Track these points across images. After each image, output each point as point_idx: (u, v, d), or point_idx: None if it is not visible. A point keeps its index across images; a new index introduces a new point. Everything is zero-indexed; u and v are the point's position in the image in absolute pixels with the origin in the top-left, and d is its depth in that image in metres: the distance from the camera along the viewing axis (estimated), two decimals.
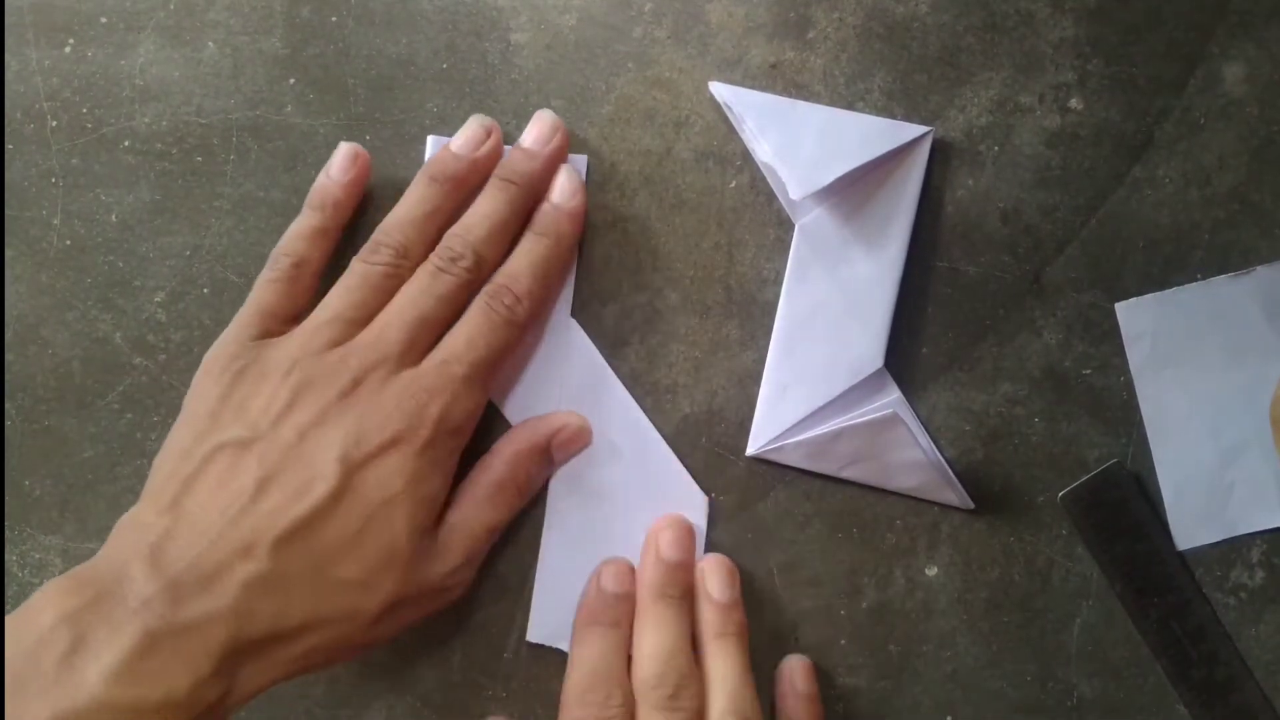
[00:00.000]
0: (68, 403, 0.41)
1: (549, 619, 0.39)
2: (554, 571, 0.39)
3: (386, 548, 0.33)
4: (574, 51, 0.41)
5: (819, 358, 0.39)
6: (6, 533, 0.41)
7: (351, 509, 0.33)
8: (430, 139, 0.40)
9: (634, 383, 0.40)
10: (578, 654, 0.37)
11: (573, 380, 0.40)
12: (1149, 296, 0.39)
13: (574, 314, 0.40)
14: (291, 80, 0.41)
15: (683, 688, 0.36)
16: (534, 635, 0.39)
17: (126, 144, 0.41)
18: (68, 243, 0.41)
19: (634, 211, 0.41)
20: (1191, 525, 0.39)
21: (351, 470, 0.33)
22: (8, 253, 0.41)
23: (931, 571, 0.40)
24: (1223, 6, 0.40)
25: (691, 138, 0.41)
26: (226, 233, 0.41)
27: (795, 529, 0.40)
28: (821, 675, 0.39)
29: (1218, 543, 0.39)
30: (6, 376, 0.41)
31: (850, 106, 0.40)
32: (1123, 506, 0.39)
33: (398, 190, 0.41)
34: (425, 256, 0.37)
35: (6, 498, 0.41)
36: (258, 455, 0.33)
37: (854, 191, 0.39)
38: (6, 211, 0.41)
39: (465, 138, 0.39)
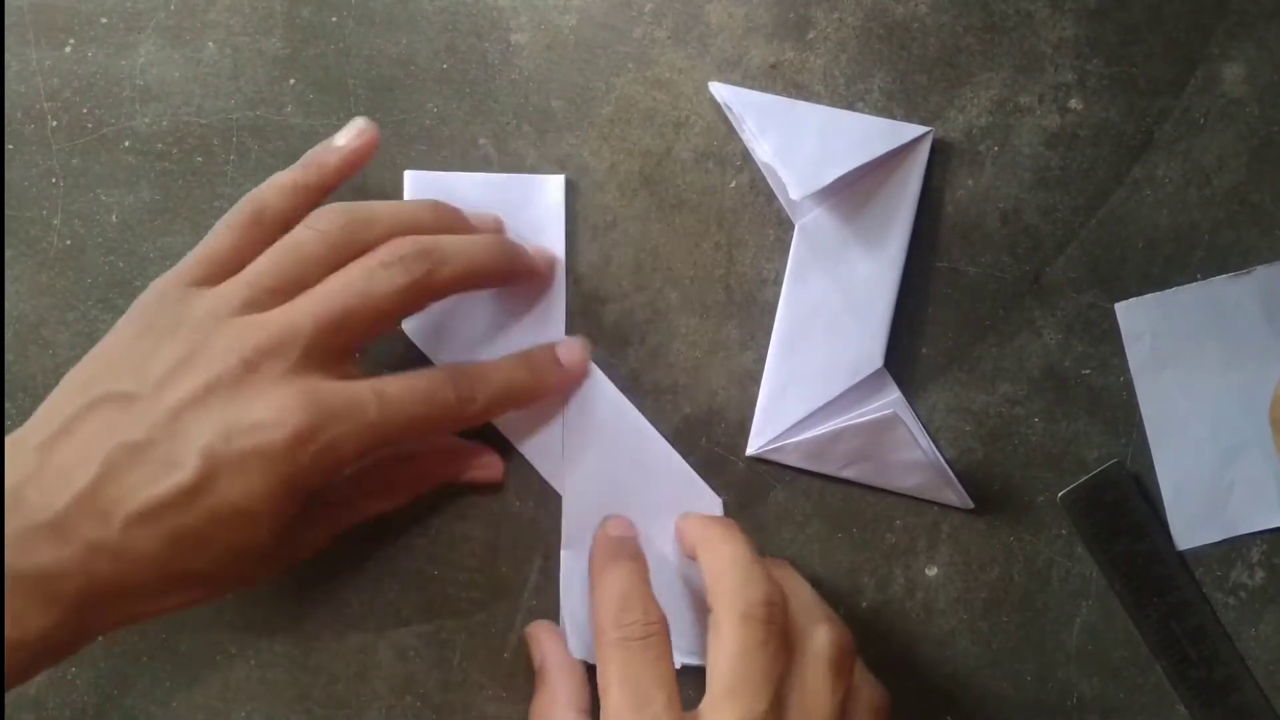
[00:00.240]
0: None
1: (583, 636, 0.39)
2: (578, 591, 0.39)
3: (242, 548, 0.32)
4: (574, 51, 0.41)
5: (819, 358, 0.39)
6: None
7: (207, 507, 0.31)
8: (408, 175, 0.40)
9: (634, 383, 0.40)
10: (602, 588, 0.35)
11: (574, 395, 0.39)
12: (1149, 296, 0.40)
13: (574, 314, 0.40)
14: (291, 80, 0.41)
15: (774, 595, 0.33)
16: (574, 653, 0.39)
17: (127, 144, 0.41)
18: (68, 243, 0.41)
19: (634, 211, 0.41)
20: (1191, 525, 0.39)
21: (213, 468, 0.31)
22: (8, 253, 0.41)
23: (931, 571, 0.40)
24: (1223, 6, 0.40)
25: (691, 138, 0.41)
26: None
27: (795, 529, 0.40)
28: None
29: (1218, 543, 0.39)
30: (6, 376, 0.41)
31: (850, 106, 0.40)
32: (1122, 506, 0.39)
33: (396, 191, 0.41)
34: (371, 248, 0.35)
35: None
36: (134, 417, 0.31)
37: (854, 191, 0.39)
38: (6, 211, 0.41)
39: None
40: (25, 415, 0.41)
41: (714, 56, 0.41)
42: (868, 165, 0.39)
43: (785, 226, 0.40)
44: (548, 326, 0.40)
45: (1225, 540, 0.39)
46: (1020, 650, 0.40)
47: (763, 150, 0.39)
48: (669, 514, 0.39)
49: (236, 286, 0.33)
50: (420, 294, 0.34)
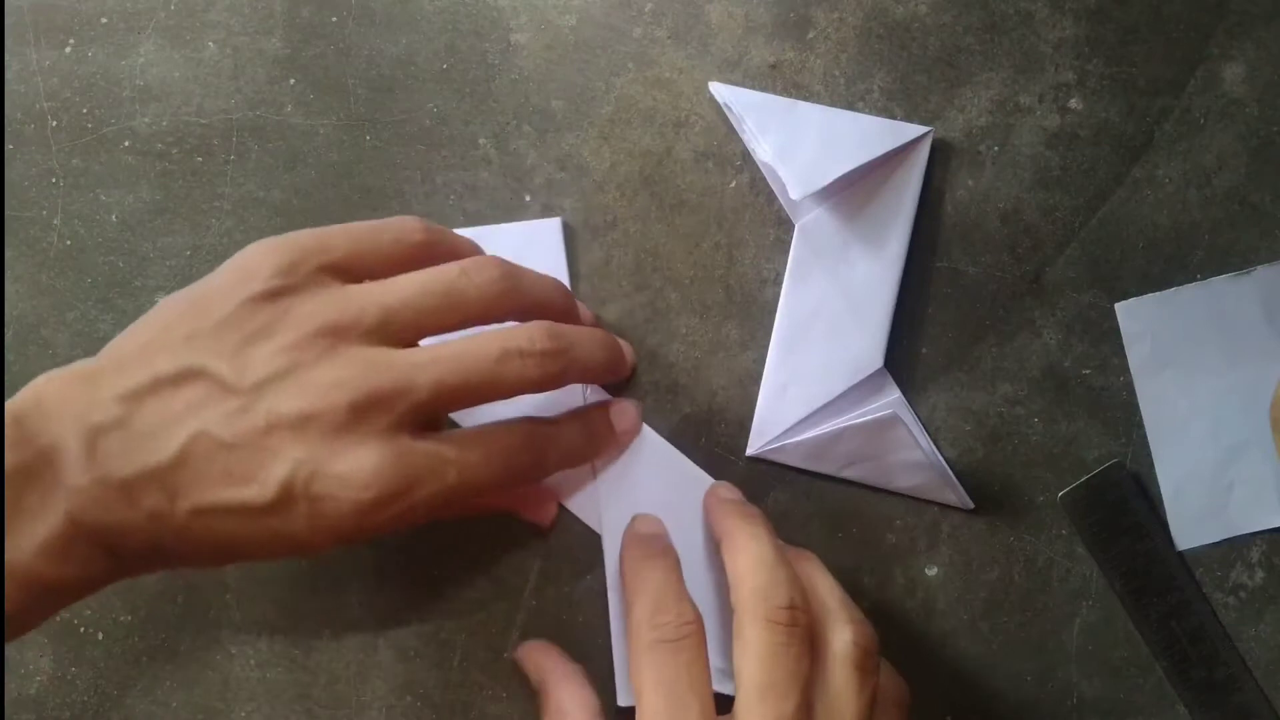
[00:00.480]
0: None
1: None
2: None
3: (292, 556, 0.34)
4: (574, 51, 0.41)
5: (819, 358, 0.39)
6: None
7: (270, 528, 0.31)
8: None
9: (634, 382, 0.40)
10: (636, 586, 0.35)
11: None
12: (1149, 296, 0.39)
13: None
14: (291, 80, 0.41)
15: (796, 599, 0.33)
16: (623, 699, 0.38)
17: (127, 144, 0.41)
18: (68, 243, 0.41)
19: (634, 211, 0.41)
20: (1191, 525, 0.39)
21: (288, 501, 0.30)
22: (8, 253, 0.41)
23: (931, 571, 0.40)
24: (1223, 6, 0.40)
25: (691, 138, 0.41)
26: (227, 233, 0.41)
27: (795, 529, 0.40)
28: None
29: (1218, 543, 0.39)
30: (6, 376, 0.41)
31: (850, 106, 0.40)
32: (1122, 506, 0.39)
33: (398, 192, 0.41)
34: (509, 316, 0.34)
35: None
36: (225, 414, 0.30)
37: (854, 191, 0.39)
38: (6, 211, 0.41)
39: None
40: None
41: (714, 56, 0.41)
42: (868, 165, 0.39)
43: (785, 226, 0.40)
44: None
45: (1225, 540, 0.39)
46: (1020, 650, 0.40)
47: (763, 150, 0.39)
48: (697, 522, 0.39)
49: (372, 303, 0.32)
50: (541, 389, 0.34)
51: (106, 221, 0.41)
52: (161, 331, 0.32)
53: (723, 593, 0.37)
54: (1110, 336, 0.40)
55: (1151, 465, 0.39)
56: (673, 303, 0.40)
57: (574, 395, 0.39)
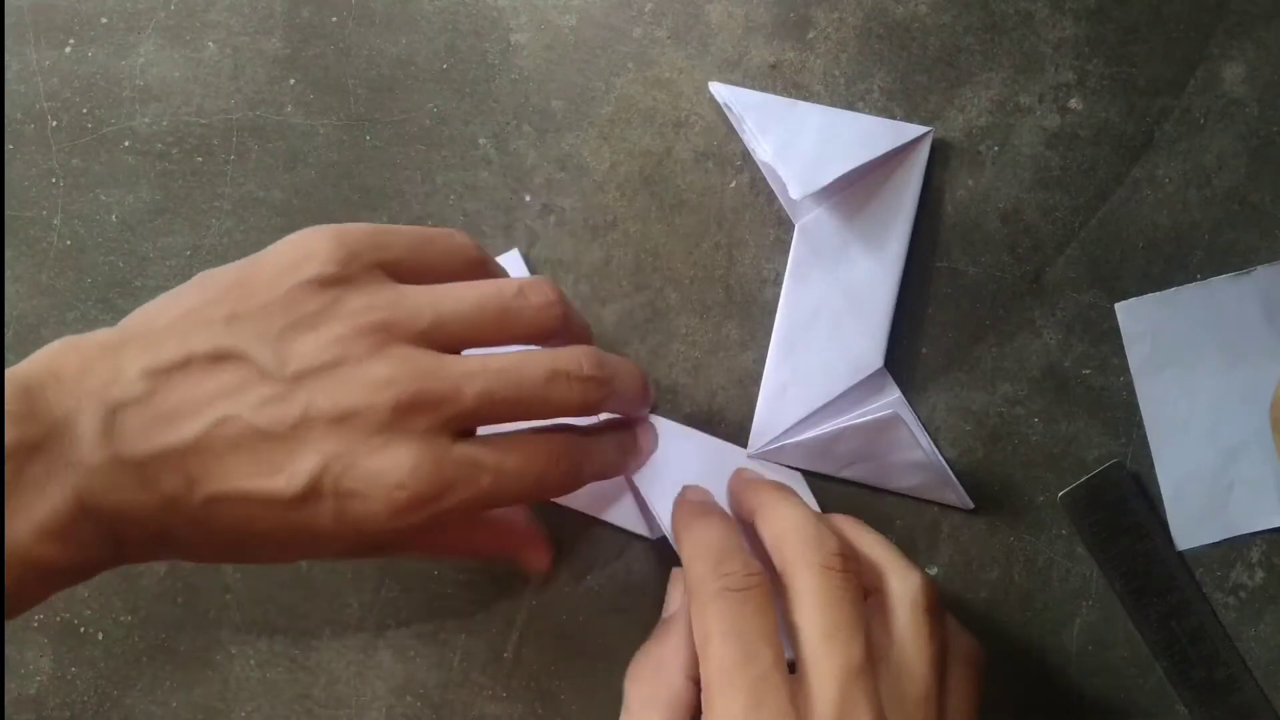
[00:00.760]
0: None
1: None
2: None
3: (307, 553, 0.32)
4: (574, 51, 0.41)
5: (819, 358, 0.39)
6: None
7: (292, 520, 0.30)
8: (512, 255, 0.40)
9: None
10: (694, 541, 0.33)
11: None
12: (1149, 296, 0.39)
13: None
14: (291, 80, 0.41)
15: (845, 548, 0.32)
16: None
17: (126, 144, 0.41)
18: (68, 243, 0.41)
19: (634, 211, 0.41)
20: (1191, 525, 0.39)
21: (316, 494, 0.29)
22: (8, 253, 0.41)
23: (931, 571, 0.40)
24: (1223, 6, 0.40)
25: (691, 138, 0.41)
26: (227, 233, 0.41)
27: None
28: None
29: (1218, 543, 0.39)
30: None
31: (850, 106, 0.40)
32: (1122, 506, 0.39)
33: (398, 192, 0.41)
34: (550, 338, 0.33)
35: None
36: (259, 399, 0.29)
37: (854, 191, 0.39)
38: (6, 211, 0.41)
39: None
40: None
41: (714, 56, 0.41)
42: (868, 165, 0.39)
43: (785, 226, 0.40)
44: None
45: (1225, 540, 0.39)
46: (1020, 650, 0.40)
47: (763, 150, 0.39)
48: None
49: (427, 306, 0.31)
50: (581, 414, 0.33)
51: (106, 221, 0.41)
52: (200, 306, 0.30)
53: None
54: (1110, 336, 0.40)
55: (1151, 465, 0.39)
56: (673, 303, 0.40)
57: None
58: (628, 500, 0.39)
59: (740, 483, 0.38)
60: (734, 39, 0.41)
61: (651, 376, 0.40)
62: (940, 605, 0.33)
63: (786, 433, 0.39)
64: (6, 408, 0.28)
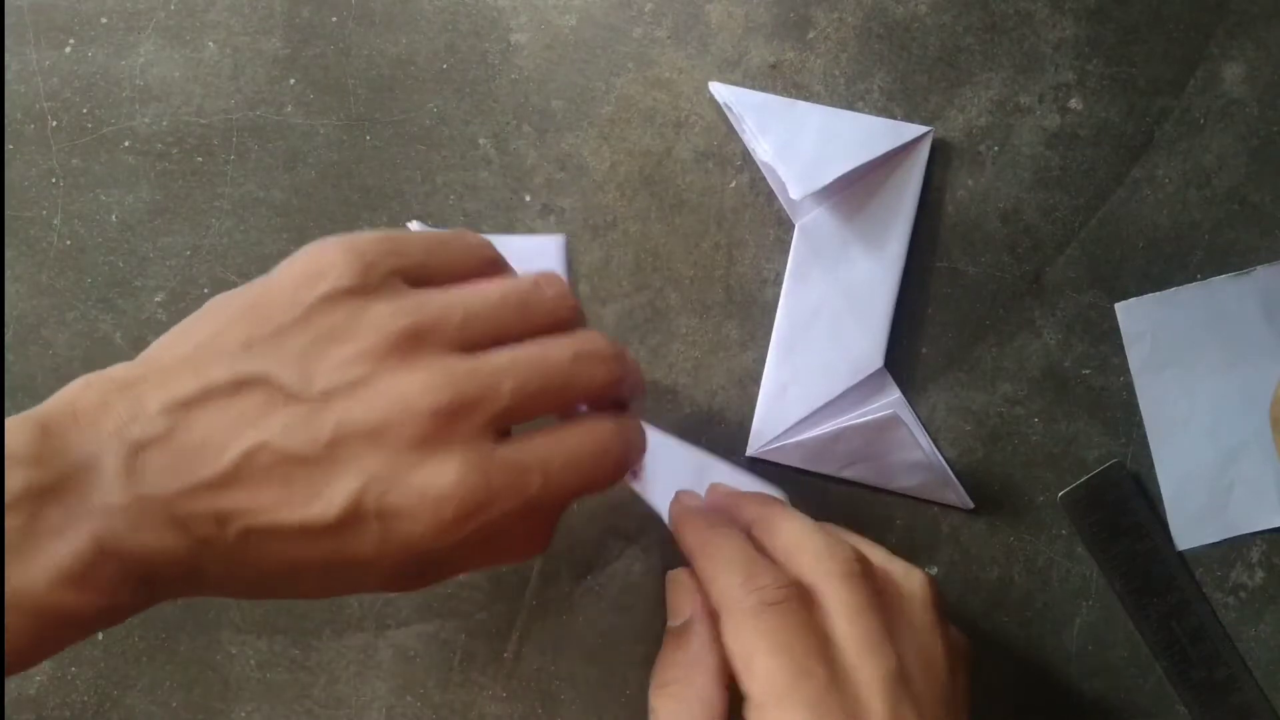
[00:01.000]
0: None
1: None
2: None
3: (346, 588, 0.30)
4: (574, 51, 0.41)
5: (819, 358, 0.39)
6: None
7: (333, 549, 0.28)
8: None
9: None
10: (714, 553, 0.32)
11: None
12: (1149, 296, 0.39)
13: None
14: (291, 80, 0.41)
15: (858, 551, 0.32)
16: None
17: (126, 144, 0.41)
18: (68, 243, 0.41)
19: (634, 211, 0.41)
20: (1191, 525, 0.39)
21: (358, 516, 0.28)
22: (8, 253, 0.41)
23: (932, 571, 0.40)
24: (1223, 6, 0.40)
25: (691, 138, 0.41)
26: (226, 233, 0.41)
27: None
28: None
29: (1218, 543, 0.39)
30: (6, 376, 0.41)
31: (850, 106, 0.40)
32: (1123, 506, 0.39)
33: (398, 192, 0.41)
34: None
35: None
36: (289, 422, 0.28)
37: (854, 191, 0.39)
38: (6, 211, 0.41)
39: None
40: None
41: (714, 56, 0.41)
42: (868, 165, 0.39)
43: (785, 226, 0.40)
44: None
45: (1225, 540, 0.39)
46: (1020, 650, 0.40)
47: (763, 150, 0.39)
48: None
49: (454, 308, 0.30)
50: (604, 395, 0.32)
51: (106, 221, 0.41)
52: (214, 336, 0.29)
53: None
54: (1110, 336, 0.40)
55: (1151, 465, 0.39)
56: (673, 303, 0.40)
57: None
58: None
59: (726, 496, 0.36)
60: (734, 39, 0.41)
61: (651, 376, 0.40)
62: (941, 598, 0.33)
63: (786, 433, 0.39)
64: (23, 450, 0.27)
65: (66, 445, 0.27)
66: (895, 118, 0.40)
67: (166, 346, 0.30)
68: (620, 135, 0.41)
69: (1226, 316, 0.39)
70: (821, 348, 0.39)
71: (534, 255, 0.40)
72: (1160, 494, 0.39)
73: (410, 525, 0.28)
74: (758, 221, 0.40)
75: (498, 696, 0.40)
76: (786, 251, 0.40)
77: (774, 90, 0.40)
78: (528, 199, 0.41)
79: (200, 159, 0.41)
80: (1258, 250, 0.40)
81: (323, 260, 0.29)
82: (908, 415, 0.39)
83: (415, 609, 0.40)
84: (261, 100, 0.41)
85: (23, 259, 0.41)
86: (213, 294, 0.41)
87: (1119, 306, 0.40)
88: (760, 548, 0.33)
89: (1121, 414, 0.40)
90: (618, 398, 0.33)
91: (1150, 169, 0.40)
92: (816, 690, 0.29)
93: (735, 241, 0.40)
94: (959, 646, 0.33)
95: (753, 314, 0.40)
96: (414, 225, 0.40)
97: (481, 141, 0.41)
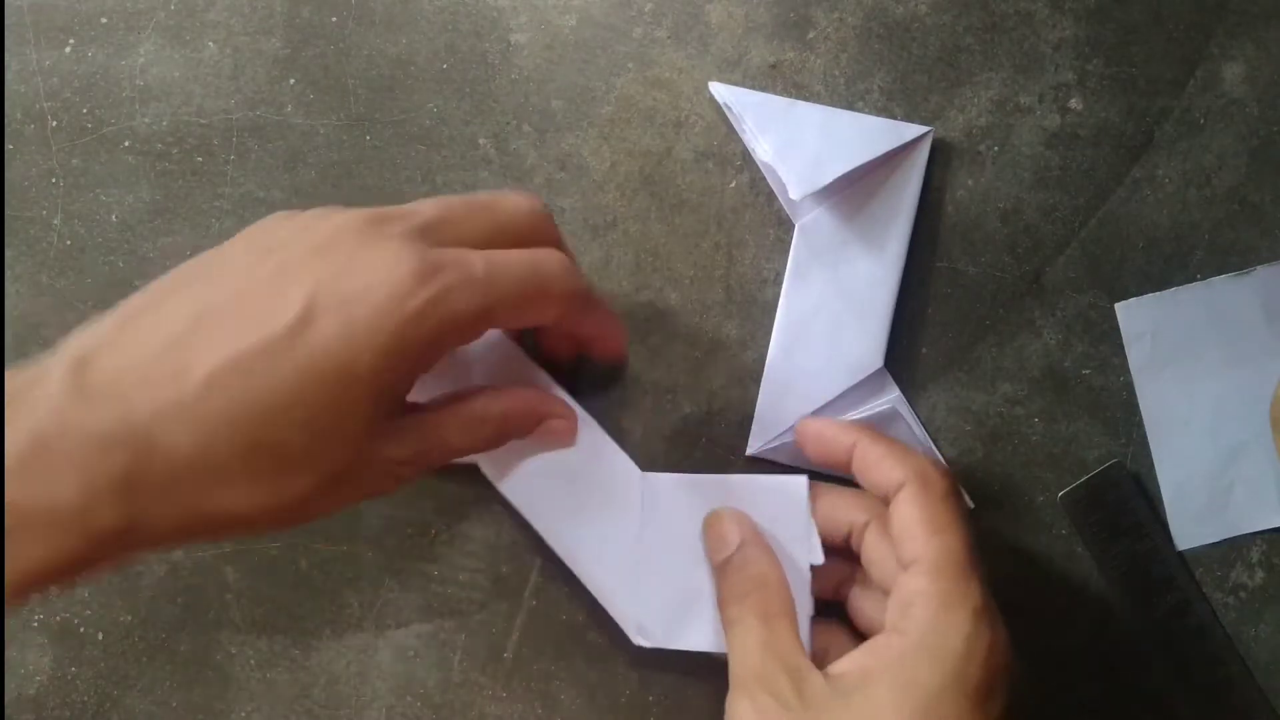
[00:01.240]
0: None
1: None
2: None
3: (332, 422, 0.28)
4: (574, 51, 0.41)
5: (819, 358, 0.39)
6: None
7: (303, 357, 0.27)
8: None
9: (634, 382, 0.40)
10: (892, 444, 0.35)
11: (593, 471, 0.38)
12: (1149, 296, 0.40)
13: None
14: (291, 80, 0.41)
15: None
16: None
17: (127, 144, 0.41)
18: (68, 243, 0.41)
19: (634, 211, 0.41)
20: (1191, 525, 0.39)
21: (314, 309, 0.28)
22: (8, 253, 0.41)
23: None
24: (1223, 6, 0.40)
25: (691, 138, 0.41)
26: (226, 233, 0.41)
27: None
28: None
29: (1218, 543, 0.39)
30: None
31: (850, 106, 0.40)
32: (1123, 506, 0.39)
33: (397, 192, 0.41)
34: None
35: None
36: (232, 279, 0.29)
37: (854, 191, 0.39)
38: (6, 211, 0.41)
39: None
40: None
41: (714, 56, 0.41)
42: (868, 165, 0.39)
43: (785, 226, 0.40)
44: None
45: (1225, 540, 0.39)
46: (1020, 650, 0.40)
47: (763, 150, 0.39)
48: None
49: (424, 206, 0.31)
50: (569, 306, 0.33)
51: (106, 221, 0.41)
52: (167, 274, 0.30)
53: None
54: (1110, 336, 0.40)
55: (1151, 465, 0.39)
56: (673, 303, 0.40)
57: None
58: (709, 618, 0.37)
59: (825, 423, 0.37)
60: (734, 39, 0.41)
61: (651, 376, 0.40)
62: None
63: (786, 432, 0.39)
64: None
65: (26, 368, 0.27)
66: (895, 118, 0.40)
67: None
68: (620, 135, 0.41)
69: (1226, 316, 0.39)
70: (821, 348, 0.39)
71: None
72: (1160, 494, 0.39)
73: (369, 314, 0.28)
74: (758, 221, 0.40)
75: (498, 696, 0.40)
76: (786, 251, 0.40)
77: (774, 90, 0.40)
78: None
79: (200, 159, 0.41)
80: (1258, 250, 0.40)
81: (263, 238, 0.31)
82: (908, 414, 0.39)
83: (415, 609, 0.40)
84: (261, 100, 0.41)
85: (23, 259, 0.41)
86: None
87: (1119, 306, 0.40)
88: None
89: (1121, 414, 0.40)
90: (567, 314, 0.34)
91: (1150, 169, 0.40)
92: (978, 563, 0.33)
93: (735, 241, 0.40)
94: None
95: (753, 314, 0.40)
96: None
97: (481, 141, 0.41)
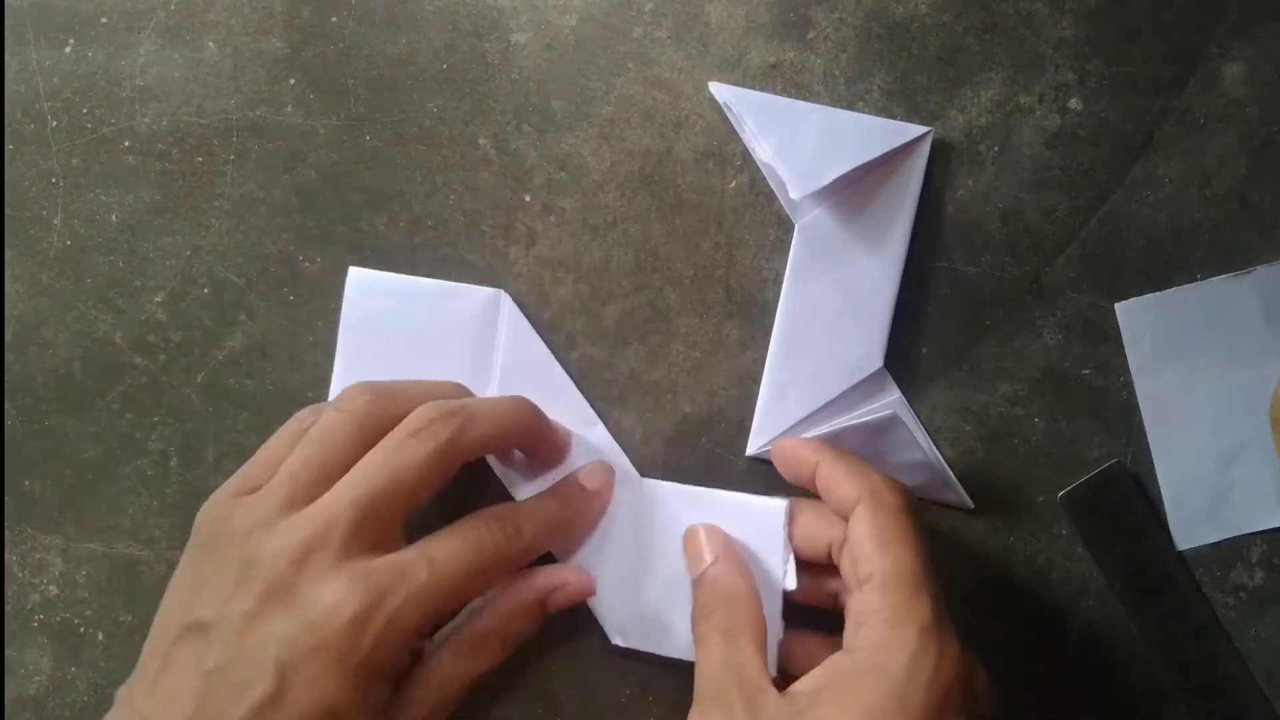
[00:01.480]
0: (68, 403, 0.41)
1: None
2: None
3: None
4: (574, 51, 0.41)
5: (819, 358, 0.39)
6: (7, 533, 0.41)
7: (294, 714, 0.31)
8: (352, 273, 0.40)
9: (634, 382, 0.40)
10: (853, 460, 0.36)
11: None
12: (1149, 296, 0.40)
13: (575, 314, 0.40)
14: (291, 80, 0.41)
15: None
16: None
17: (126, 144, 0.41)
18: (68, 243, 0.41)
19: (634, 211, 0.41)
20: (1191, 525, 0.39)
21: (286, 675, 0.31)
22: (8, 253, 0.41)
23: None
24: (1223, 6, 0.40)
25: (691, 138, 0.41)
26: (226, 233, 0.41)
27: None
28: None
29: (1218, 543, 0.39)
30: (6, 376, 0.41)
31: (850, 106, 0.40)
32: (1123, 506, 0.39)
33: (398, 192, 0.41)
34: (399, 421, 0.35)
35: (6, 498, 0.41)
36: (212, 641, 0.31)
37: (854, 191, 0.39)
38: (6, 211, 0.41)
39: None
40: (25, 415, 0.41)
41: (714, 56, 0.41)
42: (867, 165, 0.39)
43: (785, 226, 0.40)
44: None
45: (1225, 540, 0.39)
46: (1020, 650, 0.40)
47: (763, 150, 0.39)
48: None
49: (275, 487, 0.33)
50: (450, 459, 0.34)
51: (106, 221, 0.41)
52: (158, 628, 0.33)
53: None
54: (1110, 336, 0.40)
55: (1151, 465, 0.39)
56: (673, 303, 0.40)
57: None
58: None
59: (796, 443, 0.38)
60: (734, 39, 0.41)
61: (651, 377, 0.40)
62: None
63: (786, 433, 0.39)
64: None
65: None
66: (895, 118, 0.40)
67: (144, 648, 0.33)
68: (620, 135, 0.41)
69: (1226, 316, 0.39)
70: (821, 348, 0.39)
71: (470, 306, 0.40)
72: (1160, 494, 0.39)
73: (325, 657, 0.31)
74: (758, 221, 0.40)
75: (498, 696, 0.40)
76: (786, 251, 0.40)
77: (774, 90, 0.40)
78: (528, 199, 0.41)
79: (200, 159, 0.41)
80: (1258, 250, 0.40)
81: (200, 518, 0.35)
82: (908, 415, 0.39)
83: None
84: (261, 100, 0.41)
85: (23, 259, 0.41)
86: (212, 294, 0.41)
87: (1119, 306, 0.40)
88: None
89: (1121, 414, 0.40)
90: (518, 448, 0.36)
91: (1150, 169, 0.40)
92: (930, 579, 0.33)
93: (735, 241, 0.40)
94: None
95: (753, 314, 0.40)
96: (352, 270, 0.40)
97: (481, 141, 0.41)
